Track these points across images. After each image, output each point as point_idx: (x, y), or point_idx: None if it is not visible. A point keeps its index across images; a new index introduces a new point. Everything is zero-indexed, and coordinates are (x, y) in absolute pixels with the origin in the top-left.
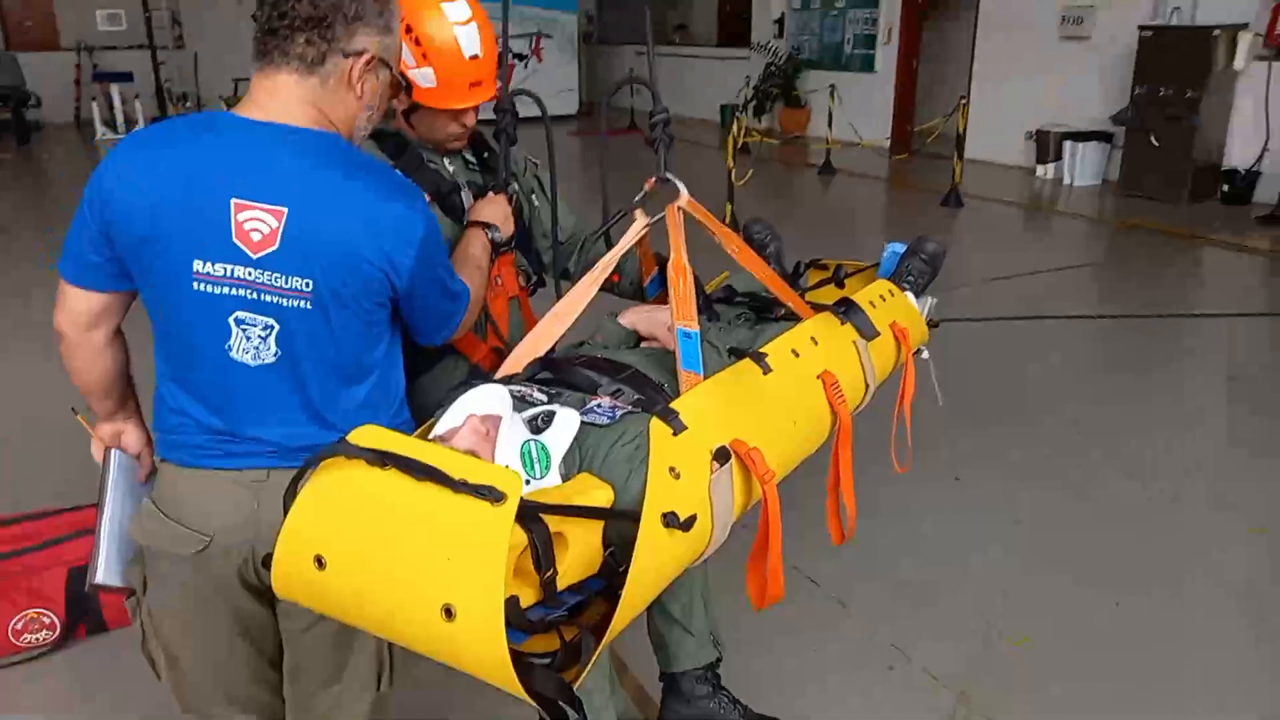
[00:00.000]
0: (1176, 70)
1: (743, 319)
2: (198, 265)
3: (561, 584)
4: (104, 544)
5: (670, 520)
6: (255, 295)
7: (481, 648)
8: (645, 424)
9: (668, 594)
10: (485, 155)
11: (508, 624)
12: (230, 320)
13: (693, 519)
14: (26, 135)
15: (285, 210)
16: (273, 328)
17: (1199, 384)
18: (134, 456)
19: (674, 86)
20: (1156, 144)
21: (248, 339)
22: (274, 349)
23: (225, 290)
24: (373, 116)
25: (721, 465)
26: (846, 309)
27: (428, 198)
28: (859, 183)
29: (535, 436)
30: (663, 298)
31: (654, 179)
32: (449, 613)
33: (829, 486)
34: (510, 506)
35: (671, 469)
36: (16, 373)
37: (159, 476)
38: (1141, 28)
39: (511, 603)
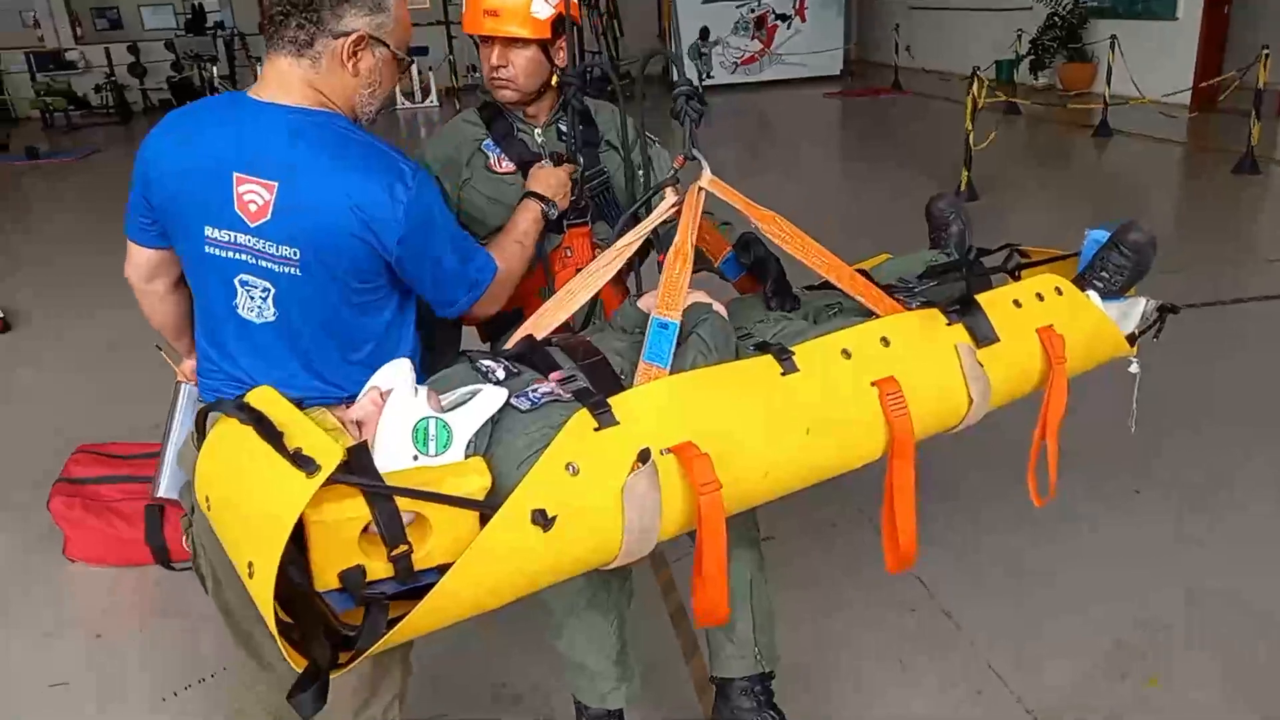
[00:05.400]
0: None
1: (835, 310)
2: (209, 231)
3: (429, 563)
4: (167, 465)
5: (537, 518)
6: (254, 260)
7: (262, 606)
8: (566, 414)
9: None
10: (582, 127)
11: (343, 589)
12: (236, 281)
13: (554, 518)
14: None
15: (276, 184)
16: (269, 290)
17: None
18: None
19: (941, 40)
20: None
21: (250, 299)
22: (272, 309)
23: (230, 254)
24: (375, 93)
25: (643, 465)
26: (960, 308)
27: (512, 165)
28: (1140, 145)
29: (439, 414)
30: (745, 281)
31: (681, 156)
32: (250, 570)
33: (884, 509)
34: (316, 480)
35: (570, 465)
36: None
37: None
38: None
39: (354, 572)
